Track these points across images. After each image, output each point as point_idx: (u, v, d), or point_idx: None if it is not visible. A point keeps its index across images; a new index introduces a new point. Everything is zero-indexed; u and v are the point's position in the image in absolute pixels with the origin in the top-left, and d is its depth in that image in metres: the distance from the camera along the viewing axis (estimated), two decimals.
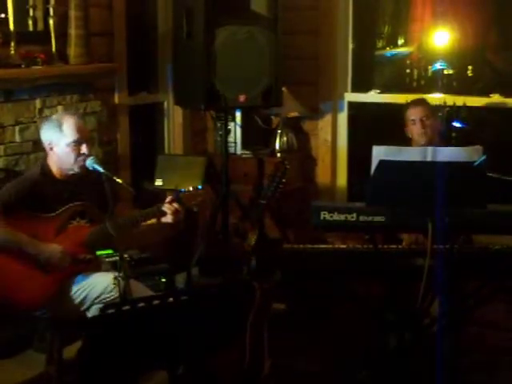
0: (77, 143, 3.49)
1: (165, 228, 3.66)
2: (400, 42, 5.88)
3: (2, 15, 4.12)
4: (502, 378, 3.94)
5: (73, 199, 3.52)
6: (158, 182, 4.76)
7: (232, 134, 5.37)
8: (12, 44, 4.10)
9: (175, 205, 3.50)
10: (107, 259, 3.70)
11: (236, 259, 3.79)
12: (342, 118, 5.59)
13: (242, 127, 5.50)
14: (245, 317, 3.12)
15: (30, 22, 4.32)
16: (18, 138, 4.20)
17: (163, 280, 4.30)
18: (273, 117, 5.48)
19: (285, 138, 5.37)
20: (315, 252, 3.35)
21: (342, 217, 3.14)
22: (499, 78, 5.40)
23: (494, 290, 3.34)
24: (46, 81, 4.29)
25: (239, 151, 5.50)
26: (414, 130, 4.18)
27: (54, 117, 3.66)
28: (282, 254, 3.39)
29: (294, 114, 5.42)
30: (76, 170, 3.53)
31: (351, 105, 5.59)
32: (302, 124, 5.61)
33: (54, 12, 4.33)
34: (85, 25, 4.48)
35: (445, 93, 5.20)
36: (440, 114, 4.80)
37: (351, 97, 5.58)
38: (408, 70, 5.79)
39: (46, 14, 4.37)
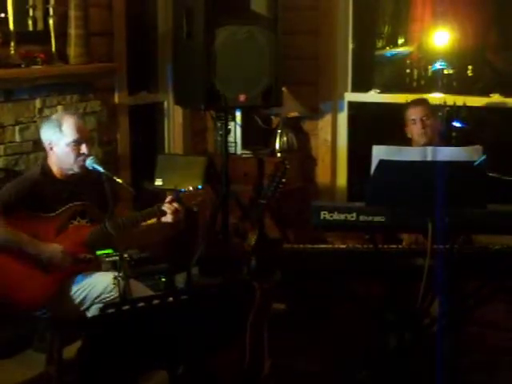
0: (76, 143, 3.49)
1: (165, 228, 3.66)
2: (400, 41, 5.88)
3: (2, 15, 4.12)
4: (501, 378, 3.93)
5: (73, 199, 3.52)
6: (158, 182, 4.76)
7: (232, 134, 5.36)
8: (12, 44, 4.11)
9: (175, 204, 3.50)
10: (107, 259, 3.70)
11: (236, 259, 3.79)
12: (342, 118, 5.59)
13: (242, 127, 5.50)
14: (245, 317, 3.12)
15: (30, 22, 4.32)
16: (17, 138, 4.20)
17: (163, 280, 4.30)
18: (273, 117, 5.47)
19: (285, 138, 5.37)
20: (315, 252, 3.34)
21: (342, 217, 3.14)
22: (499, 78, 5.40)
23: (494, 290, 3.34)
24: (45, 81, 4.29)
25: (239, 151, 5.50)
26: (414, 130, 4.18)
27: (53, 117, 3.66)
28: (282, 254, 3.39)
29: (293, 113, 5.41)
30: (76, 169, 3.52)
31: (351, 105, 5.59)
32: (301, 124, 5.61)
33: (53, 12, 4.34)
34: (85, 25, 4.48)
35: (445, 93, 5.19)
36: (440, 114, 4.80)
37: (351, 97, 5.58)
38: (408, 70, 5.79)
39: (46, 14, 4.37)
